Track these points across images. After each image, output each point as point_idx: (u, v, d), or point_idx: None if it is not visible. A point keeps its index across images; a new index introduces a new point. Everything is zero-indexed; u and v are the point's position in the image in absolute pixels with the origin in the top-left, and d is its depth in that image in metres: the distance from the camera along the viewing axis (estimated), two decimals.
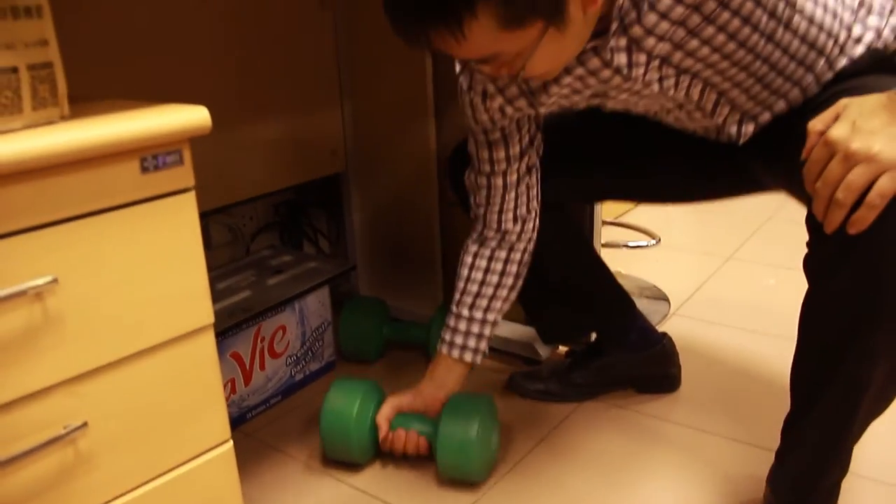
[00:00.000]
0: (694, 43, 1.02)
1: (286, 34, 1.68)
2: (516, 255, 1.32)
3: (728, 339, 1.82)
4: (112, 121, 0.75)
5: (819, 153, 0.87)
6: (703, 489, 1.31)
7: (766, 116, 1.14)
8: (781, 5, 0.99)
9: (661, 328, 1.68)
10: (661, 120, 1.26)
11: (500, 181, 1.28)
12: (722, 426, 1.48)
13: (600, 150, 1.38)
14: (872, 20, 1.09)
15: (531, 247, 1.35)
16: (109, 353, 0.79)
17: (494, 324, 1.37)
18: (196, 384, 0.87)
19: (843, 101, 0.89)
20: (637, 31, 1.01)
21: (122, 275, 0.78)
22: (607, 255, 1.52)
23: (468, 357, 1.37)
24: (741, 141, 1.18)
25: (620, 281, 1.55)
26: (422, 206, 1.81)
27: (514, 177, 1.28)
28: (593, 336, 1.65)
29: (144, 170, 0.77)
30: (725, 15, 0.98)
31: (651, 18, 0.99)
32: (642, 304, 1.97)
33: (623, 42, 1.03)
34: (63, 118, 0.77)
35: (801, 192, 0.96)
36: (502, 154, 1.26)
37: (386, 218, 1.90)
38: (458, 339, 1.37)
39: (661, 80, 1.08)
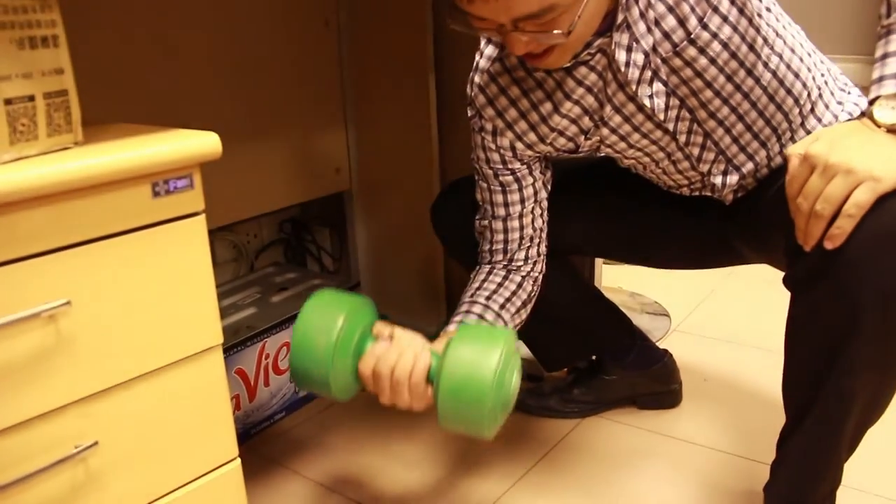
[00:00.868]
0: (677, 61, 1.07)
1: (291, 54, 1.71)
2: (528, 285, 1.29)
3: (728, 355, 1.84)
4: (124, 146, 0.77)
5: (799, 169, 0.90)
6: None
7: (748, 167, 1.18)
8: (760, 41, 1.06)
9: (662, 344, 1.70)
10: (652, 175, 1.29)
11: (515, 223, 1.28)
12: (723, 441, 1.49)
13: (603, 211, 1.40)
14: (852, 98, 1.19)
15: (539, 281, 1.32)
16: (120, 374, 0.80)
17: (508, 321, 1.25)
18: (204, 403, 0.89)
19: (819, 130, 0.92)
20: (641, 27, 1.05)
21: (134, 297, 0.80)
22: (609, 271, 1.54)
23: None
24: (724, 192, 1.22)
25: (621, 297, 1.57)
26: (425, 225, 1.82)
27: (529, 218, 1.28)
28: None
29: (156, 194, 0.79)
30: (705, 35, 1.04)
31: (645, 23, 1.05)
32: (643, 320, 1.99)
33: (625, 39, 1.06)
34: (77, 144, 0.79)
35: (779, 258, 1.01)
36: (517, 196, 1.26)
37: (389, 236, 1.92)
38: (471, 319, 1.21)
39: (651, 97, 1.11)
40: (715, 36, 1.04)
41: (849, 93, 1.21)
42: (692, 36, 1.04)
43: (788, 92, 1.12)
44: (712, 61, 1.06)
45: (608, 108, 1.15)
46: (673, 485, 1.38)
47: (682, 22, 1.04)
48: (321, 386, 1.04)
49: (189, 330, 0.85)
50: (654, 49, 1.06)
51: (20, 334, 0.72)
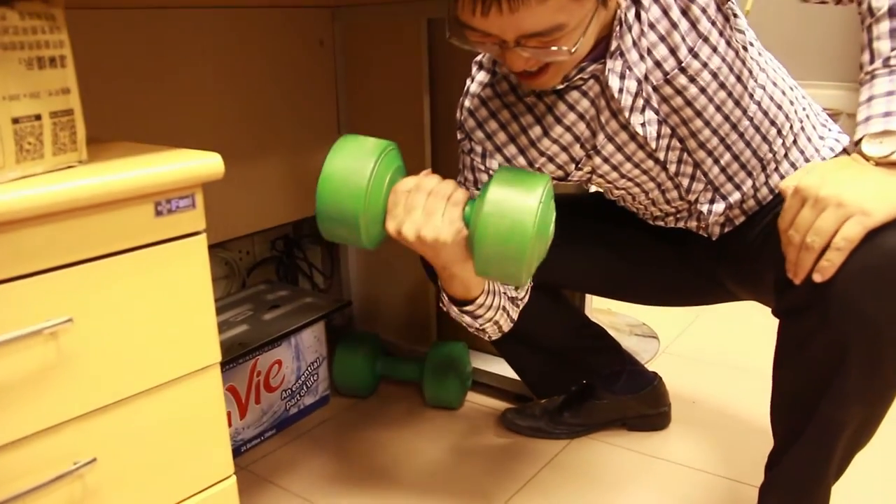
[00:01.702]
0: (668, 90, 1.09)
1: (286, 73, 1.72)
2: (512, 309, 1.27)
3: (717, 377, 1.85)
4: (128, 166, 0.78)
5: (791, 202, 0.92)
6: None
7: (735, 197, 1.21)
8: (746, 73, 1.10)
9: (650, 366, 1.71)
10: (640, 206, 1.31)
11: None
12: (712, 463, 1.50)
13: (590, 250, 1.41)
14: (832, 134, 1.23)
15: (521, 306, 1.31)
16: (120, 391, 0.81)
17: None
18: (202, 420, 0.90)
19: (812, 163, 0.93)
20: (633, 55, 1.08)
21: (135, 315, 0.80)
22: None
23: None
24: (711, 221, 1.24)
25: (611, 319, 1.58)
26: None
27: None
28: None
29: (158, 213, 0.80)
30: (696, 64, 1.07)
31: (638, 51, 1.07)
32: (632, 342, 2.01)
33: (619, 66, 1.09)
34: (81, 162, 0.80)
35: (767, 294, 1.03)
36: None
37: (381, 255, 1.93)
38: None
39: (644, 125, 1.13)
40: (705, 65, 1.07)
41: (829, 129, 1.25)
42: (683, 65, 1.07)
43: (772, 123, 1.16)
44: (702, 90, 1.09)
45: (601, 137, 1.16)
46: None
47: (673, 51, 1.07)
48: (350, 228, 0.99)
49: (188, 348, 0.86)
50: (646, 77, 1.09)
51: (22, 351, 0.73)
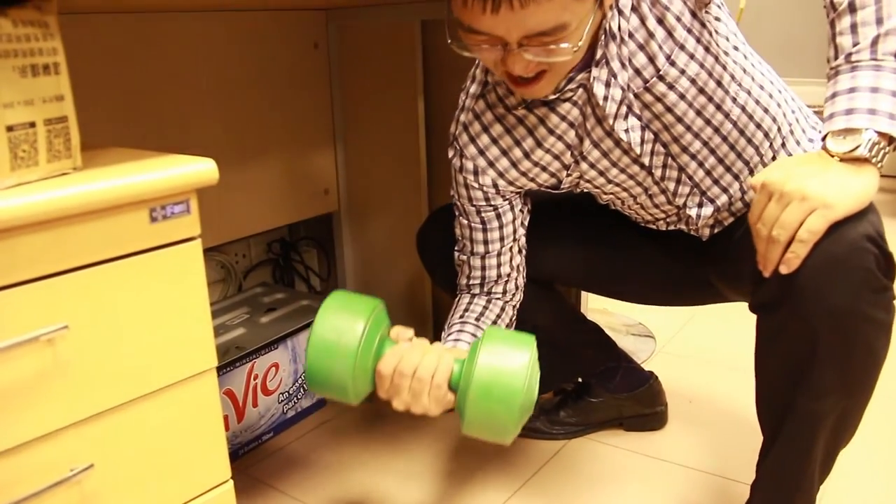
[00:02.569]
0: (648, 97, 1.10)
1: (281, 76, 1.72)
2: (509, 310, 1.32)
3: (713, 376, 1.86)
4: (123, 172, 0.78)
5: (759, 197, 0.94)
6: None
7: (722, 200, 1.22)
8: (727, 77, 1.11)
9: (647, 365, 1.71)
10: (630, 211, 1.32)
11: (494, 261, 1.29)
12: (709, 462, 1.50)
13: (583, 245, 1.43)
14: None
15: (517, 307, 1.35)
16: (116, 397, 0.81)
17: None
18: (198, 426, 0.90)
19: (779, 159, 0.95)
20: (616, 64, 1.08)
21: (131, 321, 0.80)
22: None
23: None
24: (700, 224, 1.25)
25: (607, 318, 1.59)
26: (412, 246, 1.84)
27: (508, 256, 1.30)
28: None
29: (153, 219, 0.80)
30: (673, 72, 1.08)
31: (619, 60, 1.08)
32: (628, 342, 2.01)
33: (604, 74, 1.10)
34: (76, 169, 0.80)
35: (746, 289, 1.05)
36: (496, 234, 1.27)
37: (377, 257, 1.93)
38: (465, 337, 1.22)
39: (627, 131, 1.14)
40: (682, 72, 1.08)
41: (818, 130, 1.25)
42: (661, 72, 1.08)
43: (758, 126, 1.16)
44: (681, 97, 1.10)
45: (587, 143, 1.17)
46: None
47: (651, 59, 1.08)
48: (339, 389, 1.04)
49: (184, 353, 0.86)
50: (628, 85, 1.10)
51: (18, 358, 0.73)
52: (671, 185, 1.21)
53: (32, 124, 0.74)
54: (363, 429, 1.69)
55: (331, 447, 1.63)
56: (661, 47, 1.07)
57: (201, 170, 0.82)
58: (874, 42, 0.91)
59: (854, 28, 0.93)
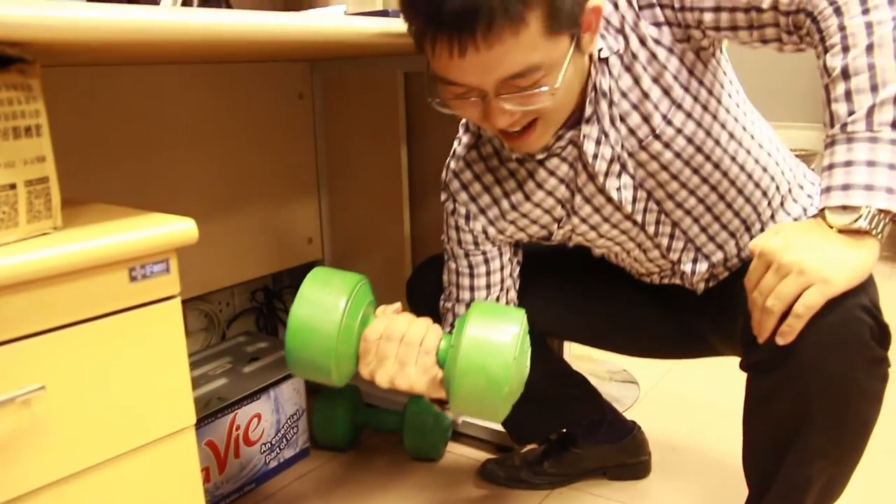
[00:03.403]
0: (643, 155, 1.11)
1: (265, 125, 1.74)
2: None
3: (696, 424, 1.86)
4: (103, 231, 0.79)
5: (756, 264, 0.93)
6: None
7: (718, 257, 1.22)
8: (725, 136, 1.11)
9: (630, 412, 1.72)
10: (623, 263, 1.32)
11: None
12: None
13: (576, 299, 1.42)
14: (816, 189, 1.23)
15: None
16: (94, 457, 0.81)
17: None
18: (177, 482, 0.89)
19: (779, 224, 0.96)
20: (606, 122, 1.09)
21: (109, 380, 0.80)
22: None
23: None
24: (695, 280, 1.26)
25: (591, 365, 1.59)
26: (396, 294, 1.84)
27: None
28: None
29: (133, 279, 0.80)
30: (670, 131, 1.08)
31: (610, 118, 1.09)
32: (612, 388, 2.01)
33: (594, 131, 1.10)
34: (56, 229, 0.80)
35: (737, 345, 1.05)
36: (483, 282, 1.27)
37: None
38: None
39: (619, 189, 1.14)
40: (679, 131, 1.08)
41: (814, 184, 1.25)
42: (657, 132, 1.08)
43: (756, 185, 1.16)
44: (677, 155, 1.10)
45: (578, 198, 1.18)
46: None
47: (646, 119, 1.08)
48: (320, 370, 0.99)
49: (162, 411, 0.86)
50: (622, 144, 1.10)
51: None
52: (664, 241, 1.21)
53: (13, 186, 0.75)
54: (347, 478, 1.68)
55: (314, 498, 1.61)
56: (656, 107, 1.07)
57: (181, 229, 0.83)
58: (870, 112, 0.89)
59: (848, 95, 0.90)
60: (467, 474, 1.67)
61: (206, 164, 1.63)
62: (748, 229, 1.20)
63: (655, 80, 1.06)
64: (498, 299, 1.29)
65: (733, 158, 1.13)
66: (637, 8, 1.05)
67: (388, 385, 1.03)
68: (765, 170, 1.16)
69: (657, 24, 1.05)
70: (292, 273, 2.00)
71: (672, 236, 1.21)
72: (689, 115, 1.08)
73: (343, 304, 0.98)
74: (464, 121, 1.26)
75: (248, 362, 1.73)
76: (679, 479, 1.62)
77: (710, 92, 1.09)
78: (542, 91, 0.98)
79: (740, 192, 1.16)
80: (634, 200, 1.16)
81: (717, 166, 1.12)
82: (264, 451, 1.66)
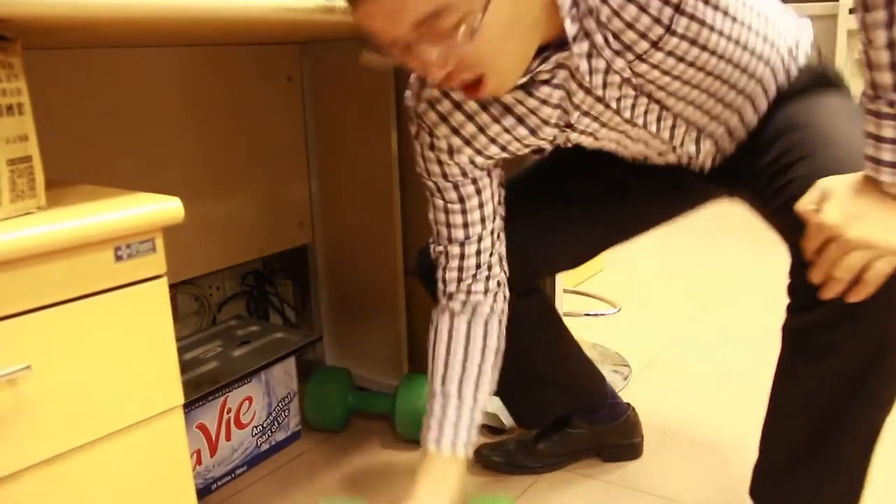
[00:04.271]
0: (643, 66, 1.03)
1: (254, 108, 1.73)
2: (493, 328, 1.25)
3: (689, 405, 1.86)
4: (87, 211, 0.78)
5: (814, 234, 0.91)
6: None
7: (720, 132, 1.17)
8: (729, 21, 1.01)
9: (623, 394, 1.72)
10: (619, 154, 1.27)
11: (473, 248, 1.22)
12: (684, 493, 1.50)
13: (568, 209, 1.35)
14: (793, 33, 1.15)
15: (504, 320, 1.28)
16: (81, 437, 0.80)
17: (483, 409, 1.24)
18: (165, 463, 0.89)
19: (824, 184, 0.92)
20: (598, 38, 1.00)
21: (95, 359, 0.80)
22: (570, 324, 1.56)
23: (464, 451, 1.21)
24: (700, 158, 1.20)
25: (583, 348, 1.58)
26: (387, 277, 1.84)
27: (489, 241, 1.23)
28: None
29: (118, 258, 0.80)
30: (674, 41, 0.99)
31: (602, 35, 1.00)
32: (604, 371, 2.01)
33: (585, 47, 1.02)
34: (40, 209, 0.80)
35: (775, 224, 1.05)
36: (477, 216, 1.21)
37: (352, 288, 1.93)
38: (448, 431, 1.20)
39: (619, 99, 1.08)
40: (683, 37, 0.99)
41: (790, 22, 1.17)
42: (659, 44, 1.00)
43: (759, 58, 1.09)
44: (680, 59, 1.02)
45: (576, 115, 1.11)
46: None
47: (643, 35, 0.99)
48: None
49: (150, 391, 0.86)
50: (618, 55, 1.02)
51: None
52: (666, 133, 1.15)
53: None
54: (338, 461, 1.68)
55: (306, 480, 1.62)
56: (657, 20, 0.97)
57: (167, 208, 0.83)
58: None
59: (894, 66, 0.85)
60: None
61: (195, 147, 1.62)
62: (752, 102, 1.13)
63: None
64: (493, 233, 1.23)
65: (736, 41, 1.04)
66: None
67: None
68: (765, 38, 1.08)
69: None
70: (283, 256, 2.00)
71: (674, 126, 1.14)
72: (691, 17, 0.97)
73: None
74: None
75: (239, 346, 1.72)
76: (670, 461, 1.63)
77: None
78: (462, 32, 0.90)
79: (744, 71, 1.08)
80: (634, 106, 1.09)
81: (721, 57, 1.04)
82: (256, 434, 1.66)
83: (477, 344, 1.24)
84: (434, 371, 1.24)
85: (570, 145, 1.20)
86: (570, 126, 1.14)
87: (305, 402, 1.77)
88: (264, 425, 1.68)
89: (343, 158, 1.84)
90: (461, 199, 1.20)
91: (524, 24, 0.97)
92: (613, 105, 1.09)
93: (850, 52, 3.81)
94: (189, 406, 1.49)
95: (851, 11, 3.64)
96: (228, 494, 1.58)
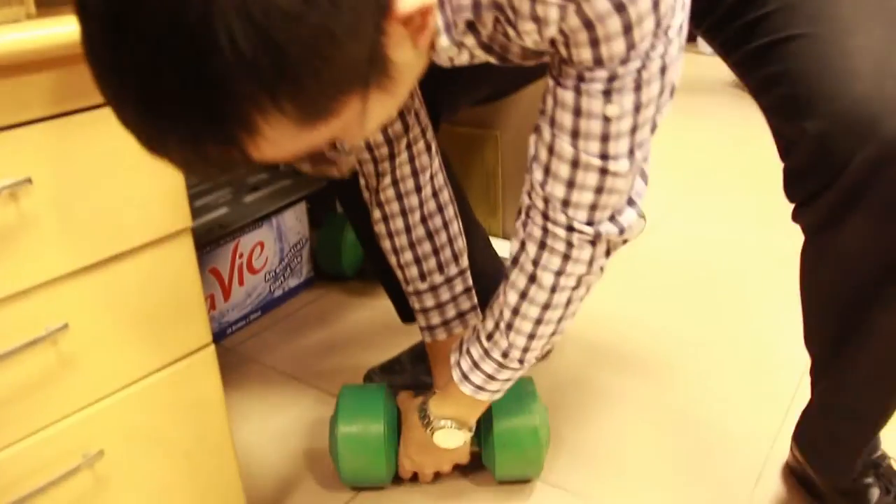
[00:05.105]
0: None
1: None
2: (423, 160, 1.09)
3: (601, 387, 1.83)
4: None
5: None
6: None
7: None
8: None
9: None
10: None
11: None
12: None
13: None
14: None
15: (433, 151, 1.11)
16: (88, 256, 0.79)
17: (466, 261, 1.17)
18: (176, 287, 0.88)
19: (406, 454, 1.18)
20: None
21: (98, 176, 0.78)
22: None
23: (475, 317, 1.18)
24: None
25: None
26: None
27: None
28: None
29: None
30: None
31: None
32: None
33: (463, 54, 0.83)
34: (29, 17, 0.75)
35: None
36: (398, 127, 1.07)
37: None
38: (451, 312, 1.16)
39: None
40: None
41: None
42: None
43: None
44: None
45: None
46: None
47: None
48: (375, 480, 1.18)
49: (158, 211, 0.83)
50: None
51: None
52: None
53: None
54: (351, 307, 1.69)
55: (319, 324, 1.63)
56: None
57: None
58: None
59: (510, 327, 0.96)
60: None
61: None
62: None
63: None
64: (420, 125, 1.09)
65: None
66: None
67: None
68: None
69: None
70: None
71: None
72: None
73: (381, 422, 1.14)
74: None
75: (249, 192, 1.71)
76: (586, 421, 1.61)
77: None
78: (345, 147, 0.72)
79: None
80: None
81: None
82: (269, 280, 1.66)
83: (413, 201, 1.11)
84: (407, 272, 1.16)
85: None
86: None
87: (318, 248, 1.76)
88: (277, 271, 1.68)
89: None
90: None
91: (412, 79, 0.76)
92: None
93: None
94: (200, 251, 1.48)
95: None
96: (244, 338, 1.59)
